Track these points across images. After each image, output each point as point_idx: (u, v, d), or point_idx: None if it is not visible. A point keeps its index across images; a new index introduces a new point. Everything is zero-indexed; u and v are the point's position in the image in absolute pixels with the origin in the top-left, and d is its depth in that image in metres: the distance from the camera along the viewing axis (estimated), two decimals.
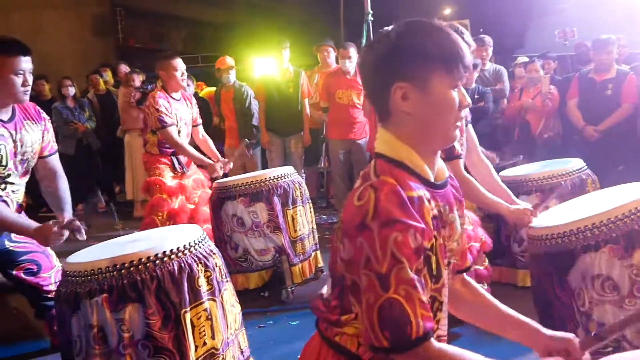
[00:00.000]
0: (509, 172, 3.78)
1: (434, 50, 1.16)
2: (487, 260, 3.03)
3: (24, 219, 2.68)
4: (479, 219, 3.05)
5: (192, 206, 4.13)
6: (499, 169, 3.55)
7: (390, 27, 1.22)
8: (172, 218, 3.97)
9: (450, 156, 2.44)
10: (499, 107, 5.71)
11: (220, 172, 4.12)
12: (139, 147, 6.57)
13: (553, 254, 2.19)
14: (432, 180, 1.23)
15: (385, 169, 1.18)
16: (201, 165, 4.24)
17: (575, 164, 3.60)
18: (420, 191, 1.16)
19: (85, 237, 2.54)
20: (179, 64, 4.07)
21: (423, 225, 1.12)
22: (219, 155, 4.31)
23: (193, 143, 4.40)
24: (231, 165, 4.20)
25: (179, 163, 4.17)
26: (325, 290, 1.32)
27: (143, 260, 2.19)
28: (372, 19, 4.71)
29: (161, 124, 3.95)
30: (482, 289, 1.50)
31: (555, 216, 2.39)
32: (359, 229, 1.10)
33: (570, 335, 1.35)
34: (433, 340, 1.11)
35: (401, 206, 1.10)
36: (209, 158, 4.24)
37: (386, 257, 1.08)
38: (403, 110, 1.19)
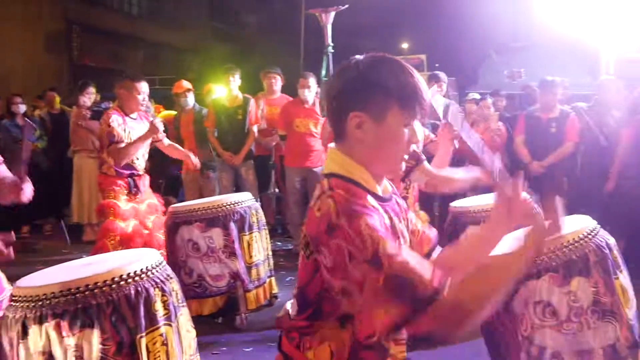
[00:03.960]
0: (457, 203, 3.91)
1: (394, 88, 1.23)
2: None
3: None
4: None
5: (146, 231, 4.08)
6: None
7: (359, 57, 1.29)
8: (125, 242, 3.88)
9: (418, 162, 2.72)
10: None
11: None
12: (87, 168, 6.48)
13: None
14: (380, 194, 1.31)
15: (340, 185, 1.24)
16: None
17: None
18: (374, 202, 1.23)
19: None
20: (143, 87, 4.03)
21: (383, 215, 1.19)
22: (189, 153, 4.38)
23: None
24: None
25: (135, 185, 4.13)
26: (290, 307, 1.36)
27: (99, 284, 2.15)
28: (332, 51, 4.85)
29: (109, 139, 3.94)
30: None
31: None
32: (329, 232, 1.15)
33: None
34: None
35: (359, 202, 1.18)
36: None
37: (366, 242, 1.11)
38: (355, 137, 1.26)
